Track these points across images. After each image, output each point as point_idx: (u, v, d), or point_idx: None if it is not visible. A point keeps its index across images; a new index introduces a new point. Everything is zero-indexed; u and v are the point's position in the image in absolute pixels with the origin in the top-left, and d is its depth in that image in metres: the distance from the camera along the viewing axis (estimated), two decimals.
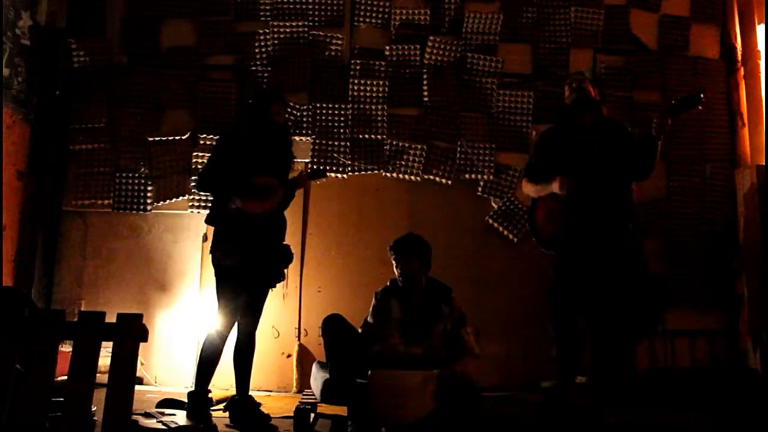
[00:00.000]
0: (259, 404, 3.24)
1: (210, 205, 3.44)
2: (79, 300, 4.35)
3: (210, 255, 3.24)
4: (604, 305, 3.22)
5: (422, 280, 3.22)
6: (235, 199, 3.11)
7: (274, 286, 3.35)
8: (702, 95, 3.21)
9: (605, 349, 3.25)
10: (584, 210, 3.21)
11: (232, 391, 3.34)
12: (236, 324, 3.24)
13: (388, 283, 3.33)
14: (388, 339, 3.10)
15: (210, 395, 3.22)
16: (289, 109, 4.37)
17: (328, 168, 4.45)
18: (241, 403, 3.21)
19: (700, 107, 3.20)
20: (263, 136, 3.28)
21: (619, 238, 3.25)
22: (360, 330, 3.24)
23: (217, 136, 4.21)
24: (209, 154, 3.48)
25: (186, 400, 3.13)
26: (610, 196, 3.24)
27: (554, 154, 3.37)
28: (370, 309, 3.30)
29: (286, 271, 3.40)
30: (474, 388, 3.02)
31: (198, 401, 3.09)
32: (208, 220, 3.29)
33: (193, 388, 3.16)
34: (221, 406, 3.41)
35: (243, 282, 3.19)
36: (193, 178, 4.36)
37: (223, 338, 3.17)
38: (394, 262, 3.24)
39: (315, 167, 4.39)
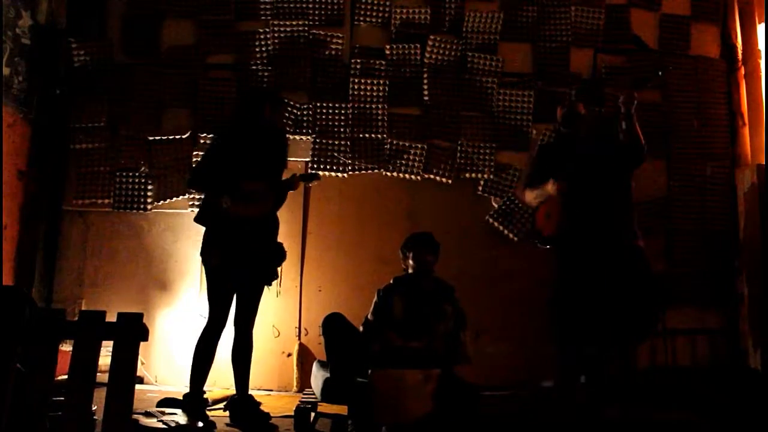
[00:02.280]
0: (259, 403, 3.24)
1: (200, 203, 3.41)
2: (80, 299, 4.36)
3: (200, 255, 3.25)
4: (608, 305, 3.20)
5: (431, 276, 3.25)
6: (226, 198, 3.11)
7: (270, 284, 3.34)
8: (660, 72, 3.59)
9: (608, 348, 3.24)
10: (585, 210, 3.21)
11: (232, 390, 3.34)
12: (233, 323, 3.25)
13: (391, 281, 3.34)
14: (386, 337, 3.10)
15: (205, 395, 3.22)
16: (287, 111, 4.36)
17: (328, 167, 4.45)
18: (241, 403, 3.21)
19: (660, 73, 3.50)
20: (258, 137, 3.29)
21: (622, 240, 3.23)
22: (360, 328, 3.25)
23: (213, 135, 4.24)
24: (204, 152, 3.45)
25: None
26: (609, 196, 3.24)
27: (553, 164, 3.39)
28: (372, 306, 3.30)
29: (280, 269, 3.39)
30: (473, 387, 3.03)
31: (194, 402, 3.09)
32: (198, 219, 3.28)
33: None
34: (221, 405, 3.41)
35: (233, 282, 3.20)
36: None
37: (214, 338, 3.17)
38: (408, 254, 3.26)
39: (312, 170, 4.40)
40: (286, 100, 3.92)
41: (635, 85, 3.35)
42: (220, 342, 3.21)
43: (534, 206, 3.54)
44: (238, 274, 3.21)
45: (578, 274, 3.21)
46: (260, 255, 3.24)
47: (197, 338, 3.19)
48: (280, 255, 3.34)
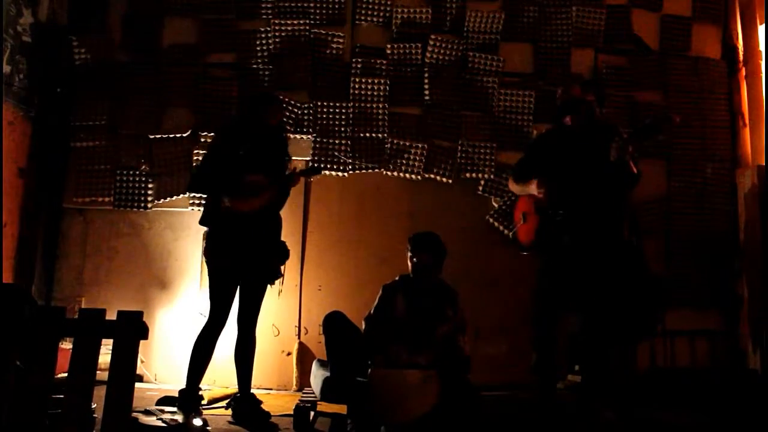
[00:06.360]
0: (260, 402, 3.25)
1: (204, 204, 3.40)
2: (80, 297, 4.36)
3: (203, 255, 3.26)
4: (598, 307, 3.18)
5: (432, 278, 3.23)
6: (225, 198, 3.12)
7: (273, 283, 3.35)
8: (669, 119, 3.12)
9: (599, 350, 3.24)
10: (573, 216, 3.16)
11: (233, 389, 3.34)
12: (236, 322, 3.26)
13: (396, 278, 3.33)
14: (389, 348, 3.08)
15: (202, 393, 3.23)
16: (287, 110, 4.36)
17: (328, 166, 4.45)
18: (244, 401, 3.21)
19: (660, 137, 3.17)
20: (256, 136, 3.28)
21: (615, 242, 3.18)
22: (363, 323, 3.23)
23: (212, 134, 4.26)
24: (204, 153, 3.44)
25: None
26: (598, 200, 3.15)
27: (542, 156, 3.36)
28: (376, 301, 3.29)
29: (283, 267, 3.40)
30: (473, 388, 3.03)
31: (188, 398, 3.08)
32: (202, 221, 3.28)
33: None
34: (222, 404, 3.41)
35: (236, 281, 3.21)
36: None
37: (214, 337, 3.17)
38: (409, 254, 3.25)
39: (312, 164, 4.40)
40: (282, 98, 3.90)
41: (635, 137, 3.10)
42: (220, 341, 3.21)
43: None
44: (242, 274, 3.21)
45: (564, 275, 3.16)
46: (264, 253, 3.25)
47: (196, 336, 3.18)
48: (283, 253, 3.35)
